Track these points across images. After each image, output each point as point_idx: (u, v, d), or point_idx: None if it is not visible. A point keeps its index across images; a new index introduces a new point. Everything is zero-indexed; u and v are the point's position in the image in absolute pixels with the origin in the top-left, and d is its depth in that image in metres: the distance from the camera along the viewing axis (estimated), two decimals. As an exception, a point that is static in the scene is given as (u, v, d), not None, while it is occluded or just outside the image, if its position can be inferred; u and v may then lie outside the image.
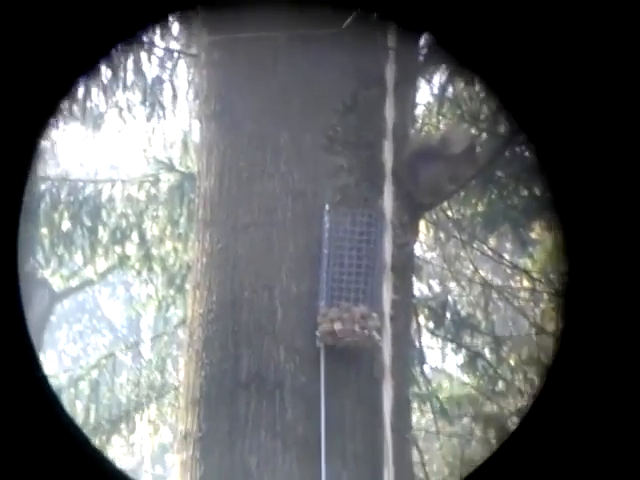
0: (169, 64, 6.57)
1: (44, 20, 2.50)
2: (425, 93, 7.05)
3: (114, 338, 16.04)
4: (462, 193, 6.17)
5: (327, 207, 3.47)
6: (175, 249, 6.15)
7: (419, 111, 6.56)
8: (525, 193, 6.11)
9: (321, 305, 3.38)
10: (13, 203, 2.46)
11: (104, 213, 6.19)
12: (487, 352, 6.51)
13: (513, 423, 5.57)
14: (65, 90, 2.58)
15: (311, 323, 3.38)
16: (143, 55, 6.45)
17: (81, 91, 6.60)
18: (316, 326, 3.38)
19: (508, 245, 7.50)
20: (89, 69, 2.69)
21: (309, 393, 3.36)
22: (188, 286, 3.92)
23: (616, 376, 2.54)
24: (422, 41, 6.42)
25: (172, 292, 6.34)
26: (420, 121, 6.58)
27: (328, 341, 3.37)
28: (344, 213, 3.46)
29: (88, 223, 6.17)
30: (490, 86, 3.04)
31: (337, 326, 3.35)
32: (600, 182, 2.66)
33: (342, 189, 3.55)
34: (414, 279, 6.86)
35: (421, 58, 6.31)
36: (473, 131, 6.39)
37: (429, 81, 6.58)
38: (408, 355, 4.27)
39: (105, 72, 6.46)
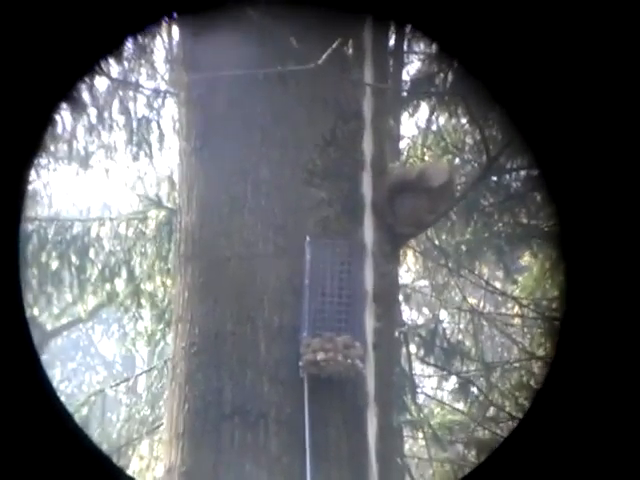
0: (156, 104, 6.65)
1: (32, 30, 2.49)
2: (410, 126, 7.14)
3: (108, 375, 15.98)
4: (448, 222, 6.25)
5: (308, 239, 3.50)
6: (164, 284, 6.19)
7: (404, 144, 6.65)
8: (510, 221, 6.17)
9: (304, 336, 3.40)
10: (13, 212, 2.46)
11: (92, 251, 6.23)
12: (477, 379, 6.55)
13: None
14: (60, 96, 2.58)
15: (294, 354, 3.39)
16: (129, 95, 6.53)
17: (67, 132, 6.69)
18: (299, 357, 3.39)
19: (499, 273, 7.56)
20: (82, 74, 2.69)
21: (294, 423, 3.36)
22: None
23: (608, 394, 2.56)
24: (405, 75, 6.51)
25: (162, 327, 6.37)
26: (405, 154, 6.66)
27: (312, 371, 3.38)
28: (325, 244, 3.49)
29: (76, 262, 6.21)
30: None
31: (320, 356, 3.36)
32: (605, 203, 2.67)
33: (323, 221, 3.59)
34: (403, 308, 6.93)
35: (404, 93, 6.39)
36: (457, 161, 6.48)
37: (412, 115, 6.67)
38: (394, 383, 4.29)
39: (91, 112, 6.55)
